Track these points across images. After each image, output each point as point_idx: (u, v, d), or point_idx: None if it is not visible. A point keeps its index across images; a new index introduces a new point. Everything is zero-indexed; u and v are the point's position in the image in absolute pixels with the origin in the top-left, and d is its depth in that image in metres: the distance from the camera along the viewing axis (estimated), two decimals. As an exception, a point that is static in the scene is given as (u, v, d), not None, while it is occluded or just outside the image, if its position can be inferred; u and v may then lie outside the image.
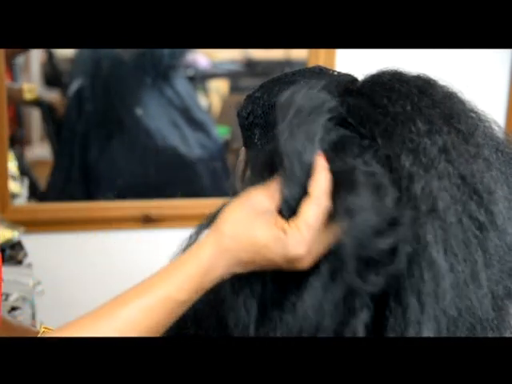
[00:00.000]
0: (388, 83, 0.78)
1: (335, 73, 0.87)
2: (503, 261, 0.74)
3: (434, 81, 0.80)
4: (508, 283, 0.75)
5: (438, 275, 0.68)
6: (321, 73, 0.86)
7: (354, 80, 0.84)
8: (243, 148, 0.88)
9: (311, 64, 2.15)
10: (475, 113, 0.79)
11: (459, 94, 0.80)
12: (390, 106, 0.75)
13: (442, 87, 0.79)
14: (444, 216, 0.70)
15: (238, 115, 0.88)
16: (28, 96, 2.46)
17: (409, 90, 0.76)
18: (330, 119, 0.74)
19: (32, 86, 2.53)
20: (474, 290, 0.70)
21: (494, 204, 0.72)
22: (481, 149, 0.75)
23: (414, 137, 0.72)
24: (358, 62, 2.11)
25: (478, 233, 0.71)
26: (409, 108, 0.74)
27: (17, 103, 2.61)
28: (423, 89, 0.77)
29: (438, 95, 0.77)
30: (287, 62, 2.96)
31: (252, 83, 3.16)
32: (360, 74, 0.84)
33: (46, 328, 0.91)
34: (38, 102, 2.59)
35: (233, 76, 3.29)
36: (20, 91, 2.45)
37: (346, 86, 0.81)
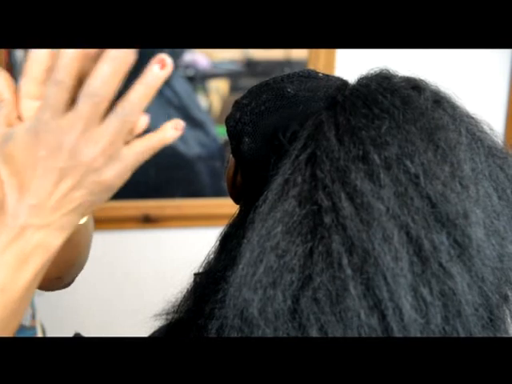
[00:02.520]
0: (372, 94, 0.76)
1: (324, 77, 0.86)
2: (497, 269, 0.73)
3: (425, 85, 0.78)
4: (505, 289, 0.74)
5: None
6: (309, 77, 0.85)
7: (342, 85, 0.82)
8: (231, 156, 0.88)
9: (311, 64, 2.15)
10: (467, 117, 0.78)
11: (450, 99, 0.79)
12: (365, 130, 0.73)
13: (431, 92, 0.77)
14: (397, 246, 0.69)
15: (226, 123, 0.87)
16: None
17: (392, 103, 0.74)
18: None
19: None
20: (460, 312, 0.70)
21: (470, 227, 0.71)
22: (460, 165, 0.73)
23: (380, 169, 0.71)
24: (358, 62, 2.12)
25: (456, 258, 0.70)
26: (385, 128, 0.72)
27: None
28: (408, 99, 0.75)
29: (425, 104, 0.75)
30: (287, 62, 2.96)
31: (252, 83, 3.16)
32: (355, 75, 0.84)
33: None
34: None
35: (233, 76, 3.29)
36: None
37: (333, 94, 0.80)
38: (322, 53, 2.14)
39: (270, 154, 0.81)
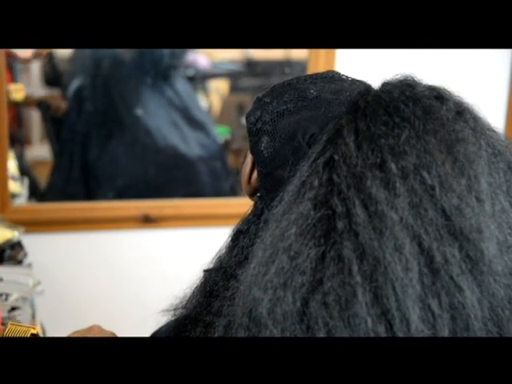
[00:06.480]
0: (394, 101, 0.75)
1: (348, 80, 0.85)
2: (510, 285, 0.72)
3: (448, 95, 0.77)
4: None
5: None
6: (333, 79, 0.85)
7: (365, 90, 0.81)
8: (249, 152, 0.88)
9: (311, 64, 2.15)
10: (489, 130, 0.77)
11: (473, 111, 0.78)
12: (384, 138, 0.72)
13: (454, 103, 0.77)
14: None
15: (247, 119, 0.87)
16: (15, 96, 2.40)
17: (413, 113, 0.74)
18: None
19: (18, 85, 2.46)
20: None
21: (483, 241, 0.70)
22: (478, 179, 0.72)
23: (396, 178, 0.70)
24: (358, 62, 2.11)
25: (467, 272, 0.69)
26: (404, 137, 0.72)
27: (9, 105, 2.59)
28: (430, 109, 0.75)
29: (447, 115, 0.75)
30: (287, 62, 2.95)
31: (252, 83, 3.17)
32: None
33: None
34: (38, 103, 2.58)
35: (233, 76, 3.29)
36: (6, 92, 2.40)
37: (356, 99, 0.79)
38: (322, 53, 2.13)
39: (288, 155, 0.81)
